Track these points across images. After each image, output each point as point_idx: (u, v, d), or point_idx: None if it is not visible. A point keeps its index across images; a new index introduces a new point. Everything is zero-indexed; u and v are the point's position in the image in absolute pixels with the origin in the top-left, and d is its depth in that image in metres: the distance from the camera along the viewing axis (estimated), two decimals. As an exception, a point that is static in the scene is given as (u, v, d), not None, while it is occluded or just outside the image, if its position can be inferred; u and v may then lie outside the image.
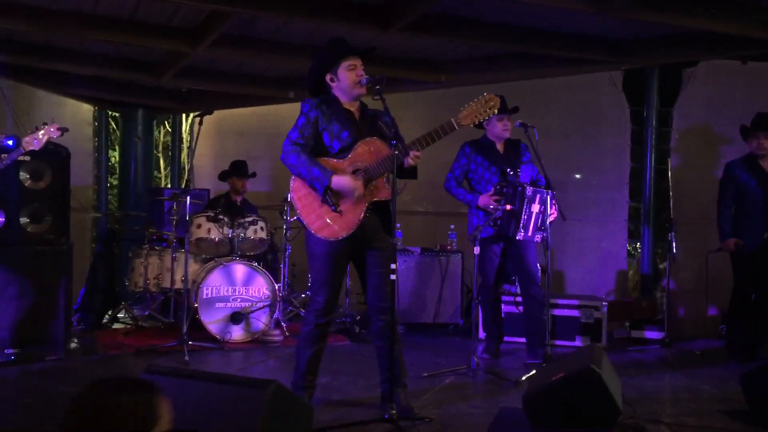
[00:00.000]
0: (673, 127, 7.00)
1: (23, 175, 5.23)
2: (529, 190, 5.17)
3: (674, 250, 5.97)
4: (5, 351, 4.84)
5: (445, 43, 6.43)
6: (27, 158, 4.91)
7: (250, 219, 6.37)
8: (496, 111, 3.92)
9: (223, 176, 7.26)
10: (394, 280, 3.67)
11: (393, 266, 3.64)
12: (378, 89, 3.74)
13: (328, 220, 3.79)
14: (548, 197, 5.14)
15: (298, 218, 3.93)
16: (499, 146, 5.54)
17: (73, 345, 5.73)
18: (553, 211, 5.21)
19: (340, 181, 3.73)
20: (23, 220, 5.31)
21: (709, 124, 6.84)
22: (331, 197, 3.76)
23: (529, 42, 6.16)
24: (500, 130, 5.46)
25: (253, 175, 7.24)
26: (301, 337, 3.96)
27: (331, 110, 3.88)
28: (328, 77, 3.93)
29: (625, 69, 6.99)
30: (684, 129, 6.94)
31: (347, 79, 3.88)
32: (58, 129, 4.59)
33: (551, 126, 6.80)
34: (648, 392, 4.61)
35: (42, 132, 4.55)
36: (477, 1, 5.39)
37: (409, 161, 3.74)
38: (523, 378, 4.71)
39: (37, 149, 4.59)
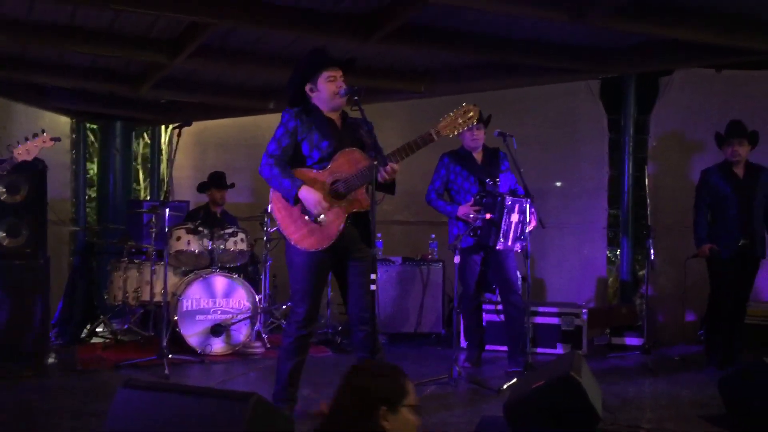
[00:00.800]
0: (650, 134, 7.07)
1: (-1, 189, 5.18)
2: (508, 199, 5.18)
3: (652, 257, 6.02)
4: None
5: (424, 53, 6.47)
6: (3, 172, 4.84)
7: (230, 231, 6.34)
8: (474, 121, 3.94)
9: (201, 188, 7.22)
10: (374, 291, 3.66)
11: (373, 276, 3.63)
12: (356, 100, 3.74)
13: (307, 231, 3.79)
14: (527, 206, 5.16)
15: (278, 229, 3.92)
16: (478, 155, 5.56)
17: (51, 360, 5.66)
18: (532, 220, 5.24)
19: (306, 194, 3.72)
20: (-1, 234, 5.25)
21: (685, 131, 6.92)
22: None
23: (508, 52, 6.22)
24: (468, 140, 5.48)
25: (232, 185, 7.21)
26: (282, 349, 3.94)
27: (311, 119, 3.88)
28: (307, 88, 3.93)
29: (602, 78, 7.06)
30: (661, 136, 7.01)
31: (326, 91, 3.88)
32: (51, 139, 4.54)
33: (530, 134, 6.84)
34: (628, 398, 4.64)
35: (35, 142, 4.50)
36: (456, 12, 5.43)
37: (384, 176, 3.72)
38: (504, 386, 4.72)
39: (29, 159, 4.52)
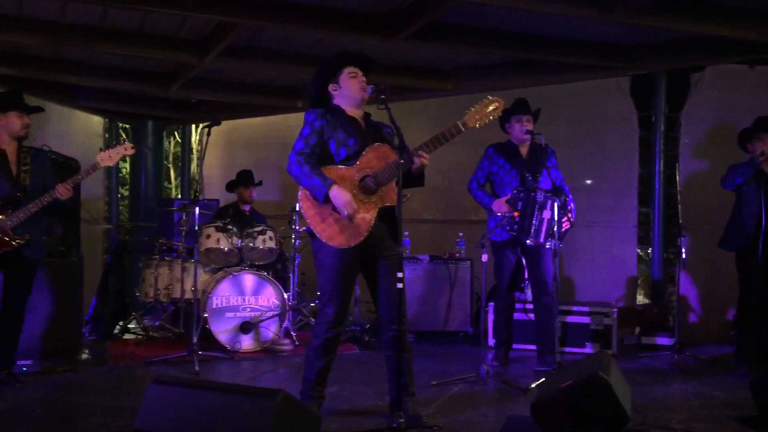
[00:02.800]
0: (681, 132, 6.98)
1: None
2: (540, 195, 5.15)
3: (684, 256, 5.94)
4: (17, 362, 4.88)
5: (451, 51, 6.46)
6: (86, 176, 4.93)
7: (259, 229, 6.40)
8: (500, 113, 3.94)
9: (230, 187, 7.30)
10: (402, 289, 3.66)
11: (400, 275, 3.64)
12: (383, 99, 3.75)
13: (338, 229, 3.80)
14: (556, 204, 5.08)
15: (308, 228, 3.91)
16: (523, 149, 5.52)
17: (84, 356, 5.77)
18: (565, 221, 5.19)
19: (337, 193, 3.73)
20: (34, 232, 5.36)
21: (717, 128, 6.81)
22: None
23: (536, 49, 6.18)
24: (518, 132, 5.45)
25: (259, 183, 7.27)
26: (311, 349, 3.95)
27: (335, 118, 3.90)
28: (330, 86, 3.96)
29: (632, 74, 6.98)
30: (693, 134, 6.91)
31: (349, 87, 3.91)
32: (133, 147, 4.88)
33: (559, 133, 6.78)
34: (658, 399, 4.58)
35: (117, 150, 4.78)
36: (482, 10, 5.41)
37: (422, 160, 3.74)
38: (532, 385, 4.70)
39: (111, 165, 4.83)
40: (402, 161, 3.65)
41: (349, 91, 3.91)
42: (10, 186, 4.63)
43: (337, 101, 3.97)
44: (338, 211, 3.76)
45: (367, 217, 3.80)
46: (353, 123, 3.93)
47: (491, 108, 3.87)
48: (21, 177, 4.68)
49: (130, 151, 4.83)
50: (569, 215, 5.26)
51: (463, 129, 3.82)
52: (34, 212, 4.58)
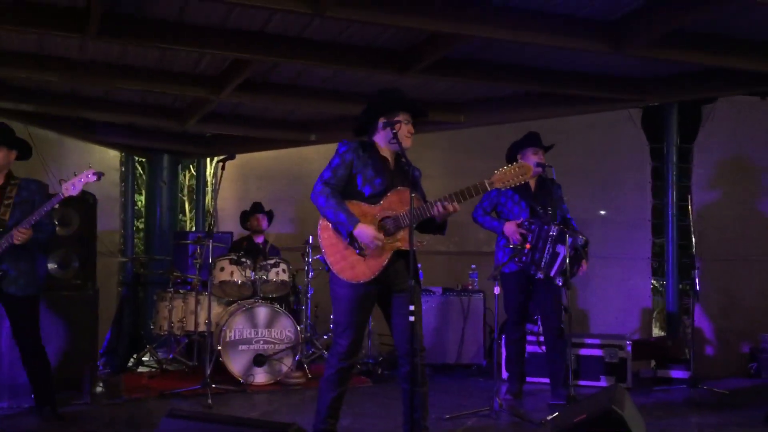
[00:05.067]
0: (693, 162, 6.99)
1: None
2: (553, 229, 5.15)
3: (698, 288, 5.90)
4: (31, 396, 4.90)
5: (463, 85, 6.52)
6: (53, 207, 4.93)
7: (272, 261, 6.43)
8: (527, 179, 3.97)
9: (243, 222, 7.37)
10: (414, 322, 3.65)
11: (412, 307, 3.63)
12: (394, 132, 3.80)
13: (351, 262, 3.81)
14: (569, 242, 5.06)
15: (322, 257, 3.93)
16: (531, 182, 5.55)
17: (98, 389, 5.78)
18: (583, 265, 5.21)
19: (362, 231, 3.75)
20: (51, 265, 5.42)
21: (730, 159, 6.81)
22: (356, 241, 3.80)
23: (548, 82, 6.23)
24: (533, 162, 5.45)
25: (270, 212, 7.33)
26: (324, 380, 3.95)
27: (367, 155, 3.93)
28: (382, 120, 3.97)
29: (643, 106, 7.02)
30: (704, 165, 6.91)
31: (398, 131, 3.93)
32: (95, 174, 4.64)
33: (571, 164, 6.80)
34: (674, 433, 4.54)
35: (80, 178, 4.61)
36: (494, 44, 5.47)
37: (447, 208, 3.76)
38: (546, 419, 4.67)
39: (75, 194, 4.63)
40: (413, 194, 3.68)
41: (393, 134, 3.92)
42: None
43: (377, 138, 4.01)
44: (356, 245, 3.77)
45: (381, 257, 3.81)
46: (383, 163, 3.95)
47: (520, 174, 3.90)
48: (1, 211, 4.57)
49: (92, 179, 4.60)
50: (584, 261, 5.26)
51: (489, 188, 3.85)
52: (5, 248, 4.47)
